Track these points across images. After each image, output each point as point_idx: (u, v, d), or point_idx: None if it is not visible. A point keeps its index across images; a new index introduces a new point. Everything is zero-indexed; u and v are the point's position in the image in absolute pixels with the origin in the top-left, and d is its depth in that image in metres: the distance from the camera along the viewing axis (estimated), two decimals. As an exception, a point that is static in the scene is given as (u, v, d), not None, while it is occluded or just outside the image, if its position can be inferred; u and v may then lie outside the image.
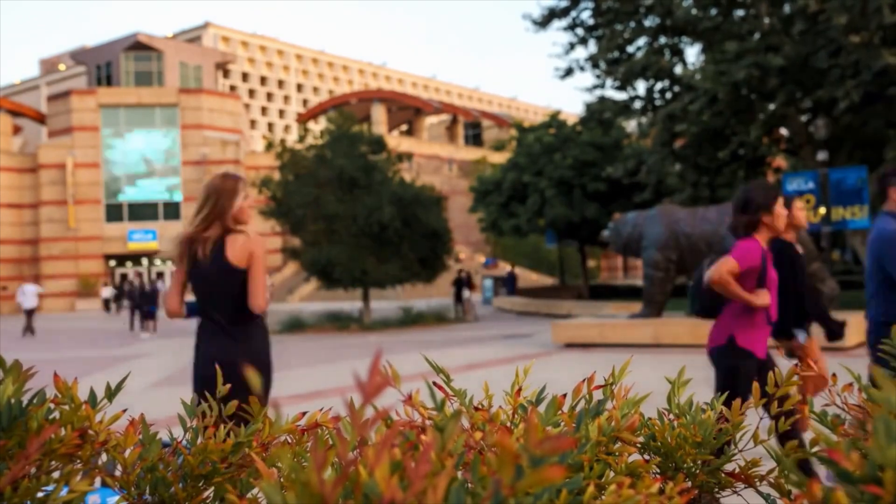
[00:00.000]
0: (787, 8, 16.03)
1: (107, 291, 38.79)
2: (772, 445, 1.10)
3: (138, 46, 47.28)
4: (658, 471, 1.12)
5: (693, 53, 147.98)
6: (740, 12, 16.94)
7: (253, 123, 76.33)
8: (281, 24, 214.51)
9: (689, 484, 1.08)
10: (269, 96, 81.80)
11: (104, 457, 1.08)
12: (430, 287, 27.11)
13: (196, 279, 3.23)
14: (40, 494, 0.94)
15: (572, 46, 19.40)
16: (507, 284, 32.25)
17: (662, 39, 18.49)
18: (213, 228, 3.26)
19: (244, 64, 78.18)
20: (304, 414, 1.22)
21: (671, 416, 1.17)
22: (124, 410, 1.15)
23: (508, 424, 1.12)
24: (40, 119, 47.73)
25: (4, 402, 0.97)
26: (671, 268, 12.70)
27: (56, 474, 0.99)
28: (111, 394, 1.10)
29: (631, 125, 25.82)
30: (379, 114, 52.83)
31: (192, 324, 3.30)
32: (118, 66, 47.02)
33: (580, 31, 19.20)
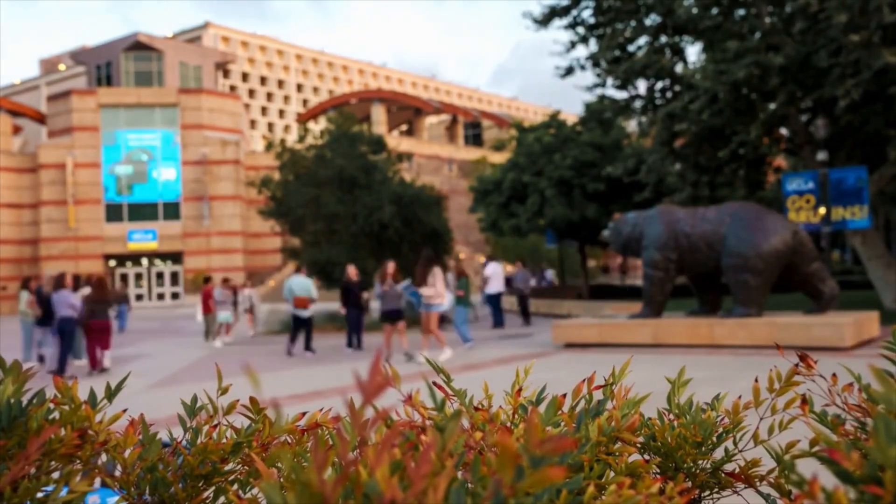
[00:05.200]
0: (787, 7, 16.03)
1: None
2: (772, 445, 1.10)
3: (138, 46, 47.28)
4: (658, 471, 1.12)
5: (694, 52, 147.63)
6: (741, 11, 16.93)
7: (253, 123, 76.33)
8: (281, 24, 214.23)
9: (690, 484, 1.08)
10: (269, 96, 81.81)
11: (104, 457, 1.08)
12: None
13: None
14: (40, 494, 0.94)
15: (573, 45, 19.39)
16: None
17: (663, 38, 18.48)
18: None
19: (244, 64, 78.17)
20: (304, 414, 1.22)
21: (671, 416, 1.17)
22: (124, 410, 1.15)
23: (508, 424, 1.12)
24: (40, 119, 47.74)
25: (4, 402, 0.97)
26: (671, 268, 12.69)
27: (56, 474, 0.99)
28: (111, 394, 1.10)
29: (631, 124, 25.82)
30: (379, 114, 52.83)
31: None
32: (118, 66, 47.02)
33: (581, 29, 19.18)
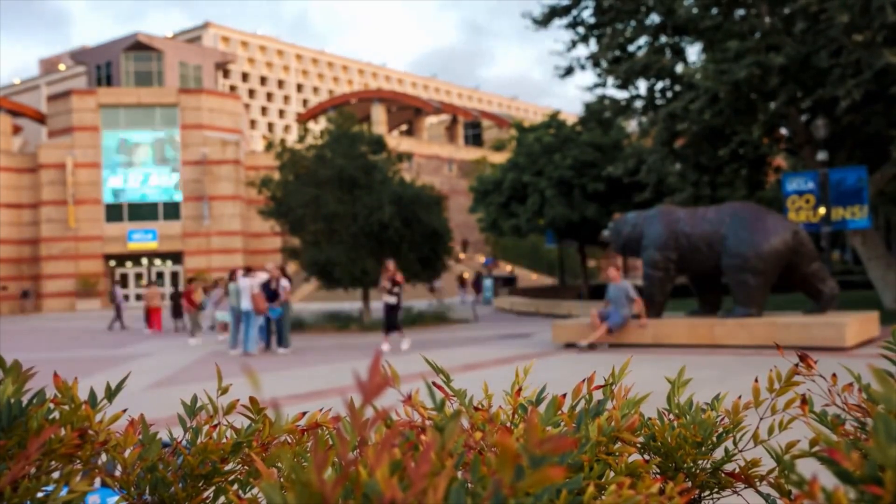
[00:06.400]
0: (787, 7, 16.03)
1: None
2: (772, 445, 1.10)
3: (138, 46, 47.28)
4: (658, 471, 1.12)
5: (694, 52, 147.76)
6: (741, 11, 16.93)
7: (253, 123, 76.33)
8: (281, 24, 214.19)
9: (690, 484, 1.08)
10: (269, 96, 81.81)
11: (104, 457, 1.08)
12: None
13: None
14: (40, 494, 0.94)
15: (573, 45, 19.39)
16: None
17: (663, 38, 18.48)
18: None
19: (244, 64, 78.17)
20: (304, 414, 1.22)
21: (671, 416, 1.17)
22: (124, 410, 1.15)
23: (508, 424, 1.12)
24: (40, 119, 47.73)
25: (4, 402, 0.97)
26: (671, 268, 12.69)
27: (56, 474, 0.99)
28: (111, 394, 1.10)
29: (631, 124, 25.83)
30: (379, 114, 52.84)
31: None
32: (118, 66, 47.02)
33: (581, 29, 19.18)
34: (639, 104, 19.56)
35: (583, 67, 19.54)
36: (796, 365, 1.17)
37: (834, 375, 1.17)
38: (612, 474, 0.97)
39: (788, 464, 0.95)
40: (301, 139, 21.84)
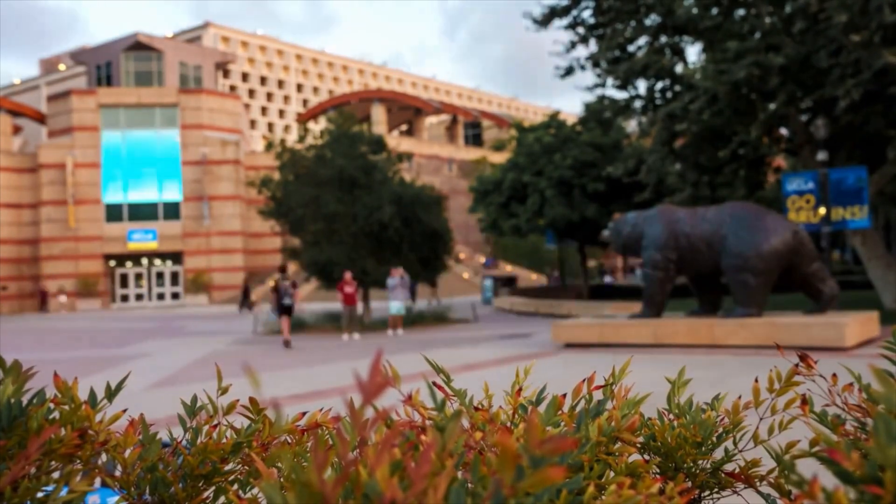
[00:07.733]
0: (787, 7, 16.03)
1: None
2: (772, 445, 1.10)
3: (138, 46, 47.28)
4: (658, 471, 1.12)
5: (694, 53, 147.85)
6: (741, 11, 16.93)
7: (253, 123, 76.34)
8: (281, 24, 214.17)
9: (690, 484, 1.08)
10: (269, 96, 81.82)
11: (104, 457, 1.08)
12: (430, 287, 27.13)
13: None
14: (40, 494, 0.93)
15: (573, 45, 19.39)
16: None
17: (663, 39, 18.47)
18: None
19: (244, 64, 78.18)
20: (304, 414, 1.22)
21: (671, 416, 1.17)
22: (124, 410, 1.15)
23: (509, 424, 1.12)
24: (40, 119, 47.73)
25: (4, 402, 0.97)
26: (671, 268, 12.70)
27: (56, 474, 0.99)
28: (111, 394, 1.10)
29: (631, 124, 25.83)
30: (379, 114, 52.85)
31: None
32: (118, 66, 47.02)
33: (581, 29, 19.18)
34: (638, 104, 19.55)
35: (583, 68, 19.54)
36: (796, 365, 1.17)
37: (834, 375, 1.17)
38: (612, 474, 0.97)
39: (788, 464, 0.95)
40: (301, 139, 21.85)
